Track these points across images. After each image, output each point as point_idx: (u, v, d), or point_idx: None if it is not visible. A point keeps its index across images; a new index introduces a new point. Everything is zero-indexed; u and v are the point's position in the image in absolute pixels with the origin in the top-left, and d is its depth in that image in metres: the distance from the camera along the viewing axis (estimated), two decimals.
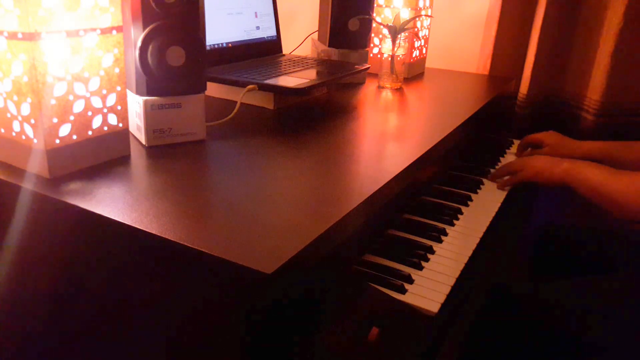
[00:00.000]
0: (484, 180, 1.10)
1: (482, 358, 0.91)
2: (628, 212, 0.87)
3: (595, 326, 0.84)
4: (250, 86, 0.96)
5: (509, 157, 1.25)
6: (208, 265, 0.53)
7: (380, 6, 1.38)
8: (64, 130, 0.67)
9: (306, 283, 0.60)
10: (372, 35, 1.38)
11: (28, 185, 0.65)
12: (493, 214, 0.96)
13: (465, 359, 0.90)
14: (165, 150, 0.79)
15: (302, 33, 1.47)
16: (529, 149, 1.24)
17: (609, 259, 1.03)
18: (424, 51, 1.49)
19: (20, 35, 0.61)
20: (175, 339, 0.61)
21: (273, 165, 0.77)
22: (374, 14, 1.34)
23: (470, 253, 0.82)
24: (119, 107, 0.73)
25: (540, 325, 0.88)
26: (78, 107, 0.68)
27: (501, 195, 1.04)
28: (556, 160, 1.00)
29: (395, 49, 1.24)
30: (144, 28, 0.74)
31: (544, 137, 1.21)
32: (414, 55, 1.41)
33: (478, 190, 1.05)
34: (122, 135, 0.75)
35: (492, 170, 1.15)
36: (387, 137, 0.94)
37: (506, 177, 1.08)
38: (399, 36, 1.24)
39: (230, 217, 0.60)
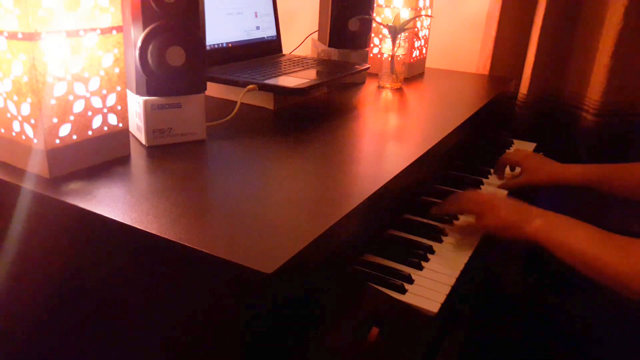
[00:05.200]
0: (484, 180, 1.10)
1: (482, 358, 0.91)
2: (620, 286, 0.71)
3: (594, 326, 0.84)
4: (250, 86, 0.96)
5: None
6: (208, 265, 0.53)
7: (380, 6, 1.38)
8: (64, 130, 0.67)
9: (306, 283, 0.60)
10: (372, 35, 1.38)
11: (28, 185, 0.65)
12: None
13: (465, 359, 0.90)
14: (165, 150, 0.79)
15: (302, 33, 1.47)
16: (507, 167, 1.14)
17: None
18: (424, 51, 1.49)
19: (20, 35, 0.61)
20: (175, 339, 0.61)
21: (273, 165, 0.77)
22: (374, 14, 1.34)
23: (470, 253, 0.82)
24: (119, 107, 0.73)
25: (539, 326, 0.88)
26: (78, 107, 0.68)
27: (502, 195, 1.04)
28: (527, 214, 0.80)
29: (395, 49, 1.24)
30: (144, 28, 0.74)
31: (522, 161, 1.07)
32: (414, 55, 1.41)
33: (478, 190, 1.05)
34: (122, 135, 0.75)
35: (492, 170, 1.14)
36: (387, 137, 0.94)
37: (462, 220, 0.88)
38: (399, 36, 1.24)
39: (230, 217, 0.60)
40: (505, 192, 1.06)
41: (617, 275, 0.70)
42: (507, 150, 1.28)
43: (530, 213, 0.80)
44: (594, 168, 1.00)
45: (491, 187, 1.07)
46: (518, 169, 1.12)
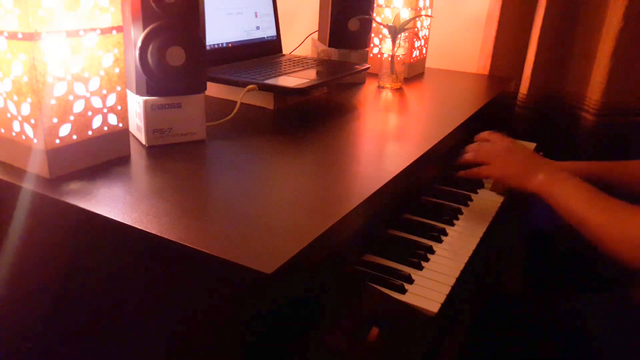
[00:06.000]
0: (484, 180, 1.09)
1: (482, 358, 0.91)
2: (606, 249, 0.74)
3: (594, 326, 0.84)
4: (250, 86, 0.96)
5: None
6: (208, 265, 0.53)
7: (380, 6, 1.38)
8: (64, 130, 0.67)
9: (306, 283, 0.60)
10: (372, 35, 1.38)
11: (28, 185, 0.65)
12: (493, 214, 0.96)
13: (465, 359, 0.90)
14: (165, 150, 0.79)
15: (302, 33, 1.47)
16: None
17: (605, 261, 1.02)
18: (424, 51, 1.49)
19: (20, 35, 0.61)
20: (175, 339, 0.61)
21: (273, 165, 0.77)
22: (374, 14, 1.34)
23: (470, 253, 0.82)
24: (119, 107, 0.73)
25: (539, 325, 0.88)
26: (78, 107, 0.68)
27: (501, 196, 1.04)
28: (533, 167, 0.85)
29: (395, 49, 1.24)
30: (144, 28, 0.74)
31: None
32: (414, 55, 1.41)
33: (478, 190, 1.05)
34: (122, 135, 0.75)
35: None
36: (387, 137, 0.94)
37: (470, 163, 0.93)
38: (399, 36, 1.24)
39: (231, 217, 0.60)
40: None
41: (600, 236, 0.75)
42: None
43: (536, 167, 0.85)
44: (587, 166, 1.00)
45: (489, 185, 1.07)
46: None
